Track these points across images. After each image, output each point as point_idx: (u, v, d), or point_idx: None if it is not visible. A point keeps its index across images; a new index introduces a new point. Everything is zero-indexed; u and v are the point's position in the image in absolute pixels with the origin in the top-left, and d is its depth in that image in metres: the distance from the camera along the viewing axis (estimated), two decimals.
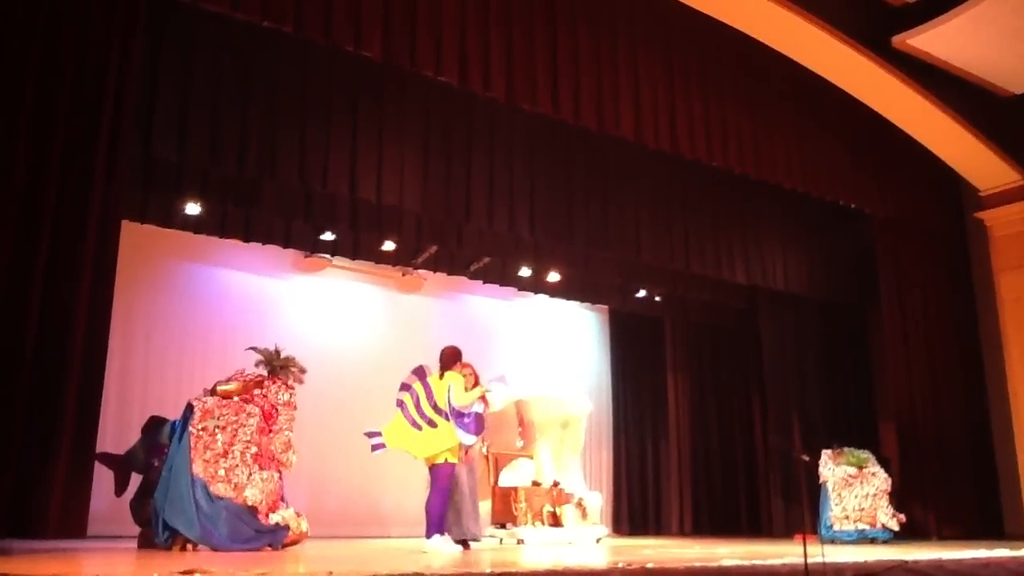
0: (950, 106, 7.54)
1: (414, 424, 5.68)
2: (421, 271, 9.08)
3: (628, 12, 6.63)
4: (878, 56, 7.11)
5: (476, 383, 5.80)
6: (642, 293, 9.98)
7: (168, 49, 5.81)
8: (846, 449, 8.21)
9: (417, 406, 5.70)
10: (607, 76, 6.55)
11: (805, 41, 7.02)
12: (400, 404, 5.71)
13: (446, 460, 5.62)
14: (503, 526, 7.37)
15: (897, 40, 7.02)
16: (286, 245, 7.80)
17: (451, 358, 5.96)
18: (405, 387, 5.77)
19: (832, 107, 7.69)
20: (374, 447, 5.63)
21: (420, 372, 5.82)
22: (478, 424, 5.70)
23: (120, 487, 5.48)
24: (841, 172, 7.91)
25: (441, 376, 5.77)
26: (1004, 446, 8.34)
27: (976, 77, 7.51)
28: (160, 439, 5.41)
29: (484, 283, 9.12)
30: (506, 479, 7.71)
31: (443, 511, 5.62)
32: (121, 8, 5.01)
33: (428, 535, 5.47)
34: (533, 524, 7.26)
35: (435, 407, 5.67)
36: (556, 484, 7.75)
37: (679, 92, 6.95)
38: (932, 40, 6.96)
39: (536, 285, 9.29)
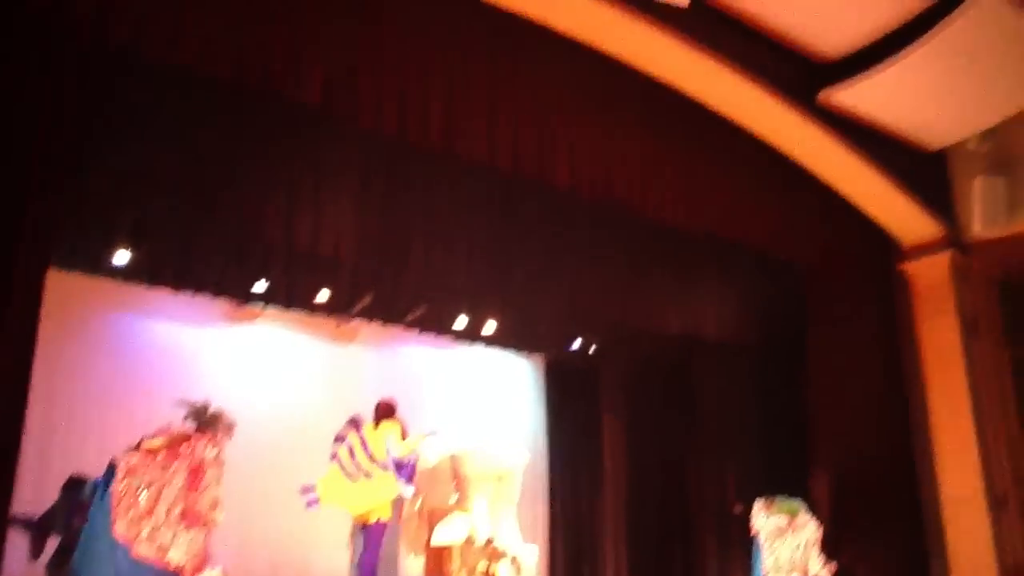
0: (874, 160, 7.77)
1: (349, 476, 5.58)
2: (356, 321, 8.96)
3: (566, 63, 6.73)
4: (804, 110, 7.31)
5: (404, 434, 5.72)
6: (578, 343, 10.00)
7: (102, 94, 5.65)
8: (777, 499, 8.26)
9: (352, 457, 5.61)
10: (545, 126, 6.63)
11: (735, 96, 7.19)
12: (335, 456, 5.60)
13: (379, 519, 5.50)
14: None
15: (822, 96, 7.24)
16: (217, 295, 7.62)
17: (386, 410, 5.90)
18: (339, 439, 5.69)
19: (763, 159, 7.88)
20: (309, 503, 5.49)
21: (355, 423, 5.74)
22: (412, 476, 5.62)
23: (36, 550, 5.22)
24: (772, 223, 8.08)
25: (376, 426, 5.68)
26: (929, 493, 8.50)
27: (898, 133, 7.77)
28: (81, 498, 5.19)
29: (420, 333, 9.03)
30: (440, 536, 7.54)
31: (374, 568, 5.50)
32: (55, 53, 4.89)
33: None
34: None
35: (371, 458, 5.58)
36: (490, 540, 7.62)
37: (614, 143, 7.05)
38: (856, 96, 7.19)
39: (472, 335, 9.24)
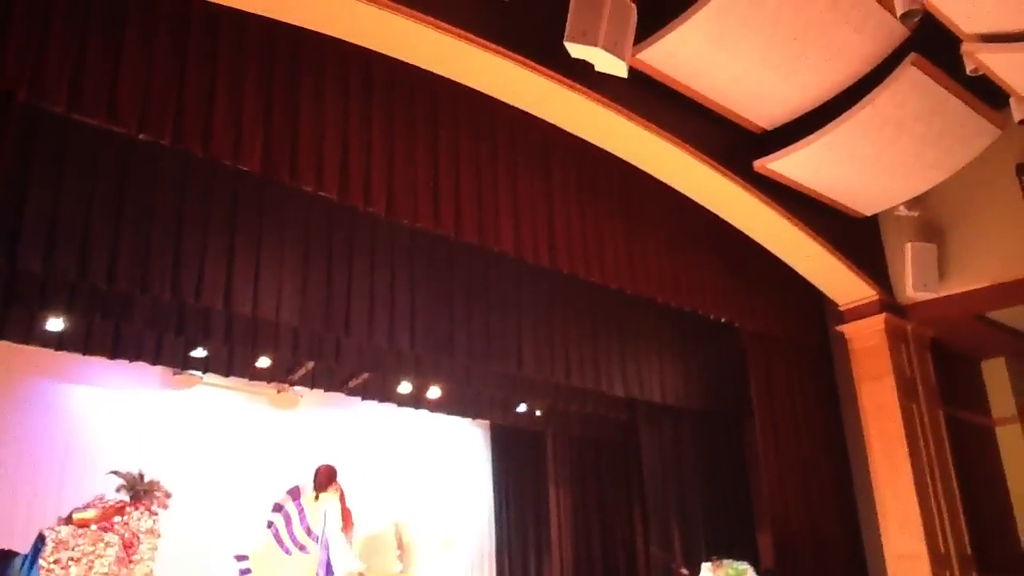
0: (808, 226, 7.97)
1: (284, 548, 5.46)
2: (297, 388, 8.85)
3: (509, 132, 6.83)
4: (741, 178, 7.48)
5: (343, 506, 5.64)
6: (523, 407, 9.98)
7: (37, 158, 5.61)
8: (725, 561, 8.25)
9: (288, 528, 5.50)
10: (487, 192, 6.68)
11: (673, 164, 7.33)
12: (270, 525, 5.49)
13: None
14: None
15: (758, 164, 7.43)
16: (155, 362, 7.47)
17: (327, 477, 5.81)
18: (277, 507, 5.58)
19: (702, 225, 8.04)
20: (241, 572, 5.36)
21: (295, 492, 5.64)
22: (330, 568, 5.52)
23: None
24: (711, 287, 8.21)
25: (316, 497, 5.58)
26: (874, 550, 8.58)
27: (830, 199, 7.99)
28: (9, 573, 4.99)
29: (363, 399, 8.93)
30: None
31: None
32: None
33: None
34: None
35: (308, 531, 5.47)
36: None
37: (558, 209, 7.13)
38: (790, 165, 7.39)
39: (417, 400, 9.18)
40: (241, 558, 5.46)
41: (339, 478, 6.00)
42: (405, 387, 8.82)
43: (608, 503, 10.77)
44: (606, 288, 7.75)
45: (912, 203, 8.26)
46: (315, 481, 5.79)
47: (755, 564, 8.44)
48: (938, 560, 7.97)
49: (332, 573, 5.41)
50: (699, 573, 8.19)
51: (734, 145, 7.46)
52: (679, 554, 9.42)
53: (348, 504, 6.78)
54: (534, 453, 10.97)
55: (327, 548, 5.38)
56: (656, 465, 10.03)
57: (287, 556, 5.36)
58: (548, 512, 10.65)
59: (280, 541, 5.40)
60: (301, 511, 5.49)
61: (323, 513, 5.43)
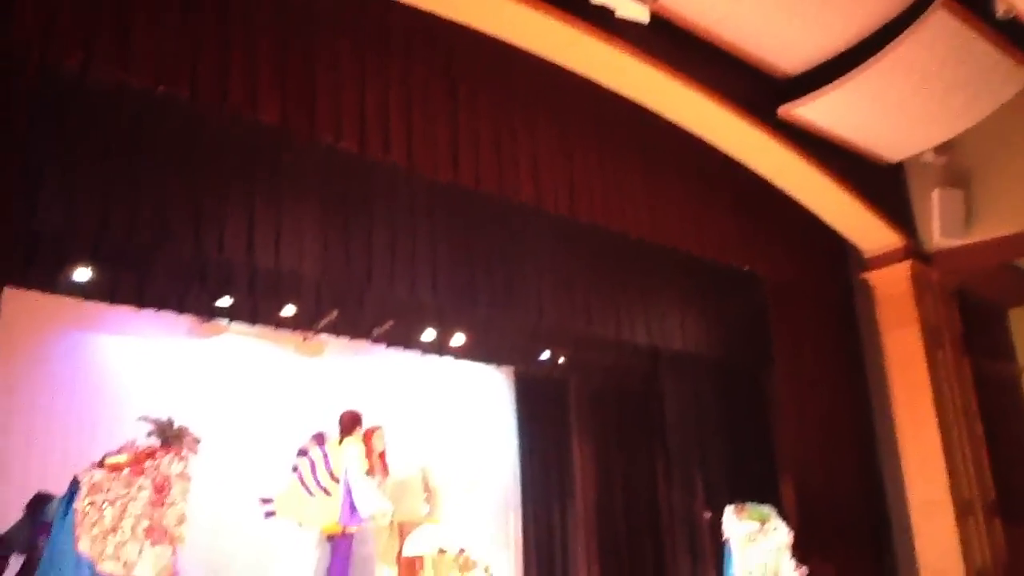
0: (834, 172, 7.88)
1: (308, 491, 5.60)
2: (322, 335, 8.95)
3: (526, 80, 6.78)
4: (765, 125, 7.41)
5: (369, 449, 5.73)
6: (546, 355, 10.03)
7: (57, 114, 5.66)
8: (748, 505, 8.33)
9: (313, 472, 5.63)
10: (506, 142, 6.67)
11: (697, 111, 7.27)
12: (295, 469, 5.62)
13: (345, 530, 5.53)
14: None
15: (782, 111, 7.34)
16: (181, 311, 7.57)
17: (350, 423, 5.92)
18: (302, 452, 5.71)
19: (724, 173, 7.97)
20: (266, 514, 5.51)
21: (319, 438, 5.76)
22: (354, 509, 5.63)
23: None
24: (733, 236, 8.17)
25: (340, 442, 5.70)
26: (896, 498, 8.62)
27: (857, 146, 7.89)
28: (45, 517, 5.17)
29: (387, 347, 9.03)
30: (411, 547, 7.56)
31: None
32: (5, 73, 4.89)
33: None
34: None
35: (331, 475, 5.60)
36: (462, 551, 7.65)
37: (578, 159, 7.10)
38: (815, 111, 7.30)
39: (440, 348, 9.25)
40: (266, 500, 5.61)
41: (367, 424, 6.09)
42: (429, 335, 8.88)
43: (631, 449, 10.85)
44: (627, 237, 7.75)
45: (939, 149, 8.14)
46: (340, 426, 5.90)
47: (779, 509, 8.52)
48: (962, 507, 8.01)
49: (356, 514, 5.53)
50: (723, 516, 8.28)
51: (758, 91, 7.37)
52: (702, 499, 9.51)
53: (381, 448, 6.87)
54: (558, 402, 11.04)
55: (350, 491, 5.51)
56: (679, 413, 10.08)
57: (311, 498, 5.51)
58: (572, 460, 10.76)
59: (304, 484, 5.55)
60: (325, 456, 5.62)
61: (346, 458, 5.55)
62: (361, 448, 5.64)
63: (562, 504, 10.87)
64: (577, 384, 10.91)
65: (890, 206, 8.46)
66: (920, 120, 7.50)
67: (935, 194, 8.22)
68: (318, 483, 5.55)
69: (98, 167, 5.83)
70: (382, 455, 6.90)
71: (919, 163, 8.36)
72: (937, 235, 8.25)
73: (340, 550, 5.48)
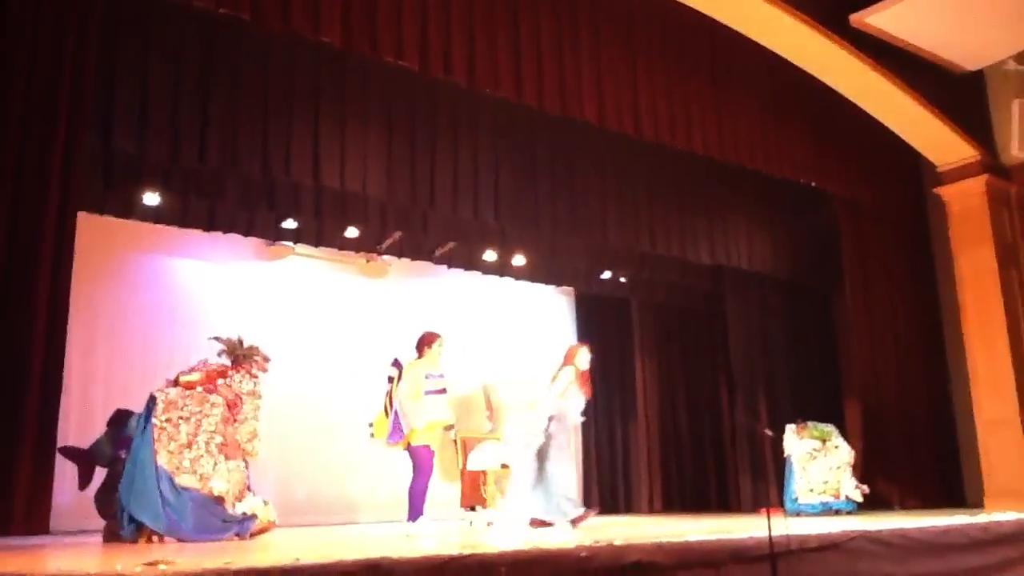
0: (907, 83, 7.61)
1: (386, 412, 5.80)
2: (386, 257, 9.04)
3: None
4: (836, 35, 7.16)
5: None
6: (608, 275, 10.00)
7: (125, 40, 5.71)
8: (810, 423, 8.33)
9: (389, 394, 5.82)
10: (569, 60, 6.54)
11: (765, 21, 7.05)
12: (387, 395, 5.85)
13: (422, 442, 5.69)
14: (473, 509, 7.43)
15: (855, 19, 7.08)
16: (248, 234, 7.72)
17: (419, 343, 6.04)
18: (389, 379, 5.92)
19: (793, 87, 7.75)
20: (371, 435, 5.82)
21: (398, 364, 5.94)
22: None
23: (84, 481, 5.42)
24: (803, 152, 7.97)
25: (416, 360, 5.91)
26: (964, 418, 8.52)
27: (931, 54, 7.59)
28: (126, 432, 5.35)
29: (449, 268, 9.09)
30: (475, 462, 7.73)
31: (425, 494, 5.67)
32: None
33: (411, 519, 5.52)
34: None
35: (389, 397, 5.80)
36: None
37: (642, 75, 6.95)
38: (888, 18, 7.02)
39: (502, 269, 9.28)
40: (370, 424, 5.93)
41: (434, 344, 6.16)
42: (490, 255, 8.91)
43: (693, 369, 10.85)
44: (692, 156, 7.61)
45: (1021, 57, 7.76)
46: (417, 345, 6.06)
47: (842, 429, 8.49)
48: None
49: (400, 433, 5.70)
50: (784, 434, 8.30)
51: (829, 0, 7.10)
52: (765, 418, 9.50)
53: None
54: (619, 322, 11.04)
55: (396, 414, 5.69)
56: (742, 334, 10.01)
57: (387, 418, 5.76)
58: (634, 380, 10.80)
59: (384, 406, 5.79)
60: (399, 378, 5.80)
61: (410, 376, 5.67)
62: (418, 371, 5.75)
63: (624, 423, 10.96)
64: (639, 304, 10.88)
65: (966, 118, 8.14)
66: (1002, 24, 7.15)
67: (1016, 104, 7.90)
68: (391, 403, 5.76)
69: (168, 93, 5.90)
70: None
71: (999, 72, 8.02)
72: (1016, 148, 7.95)
73: (420, 462, 5.65)
